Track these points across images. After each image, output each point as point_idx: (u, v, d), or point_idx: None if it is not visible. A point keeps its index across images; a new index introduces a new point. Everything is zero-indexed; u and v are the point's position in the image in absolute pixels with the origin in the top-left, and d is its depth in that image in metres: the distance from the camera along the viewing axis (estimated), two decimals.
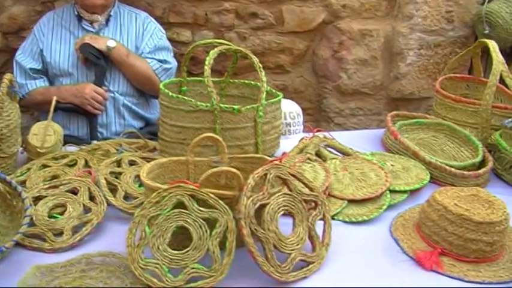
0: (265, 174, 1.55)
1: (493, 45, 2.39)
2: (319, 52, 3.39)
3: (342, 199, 1.89)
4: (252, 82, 2.25)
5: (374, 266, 1.62)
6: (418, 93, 3.42)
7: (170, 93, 1.92)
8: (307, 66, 3.46)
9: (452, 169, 2.07)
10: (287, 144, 2.21)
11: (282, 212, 1.55)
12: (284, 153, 1.72)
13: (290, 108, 2.36)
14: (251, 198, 1.48)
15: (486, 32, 3.29)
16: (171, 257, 1.41)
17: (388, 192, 1.92)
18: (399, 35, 3.31)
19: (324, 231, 1.64)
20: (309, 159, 2.05)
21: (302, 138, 2.23)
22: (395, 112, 2.49)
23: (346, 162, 2.09)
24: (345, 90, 3.38)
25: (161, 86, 2.01)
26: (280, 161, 1.62)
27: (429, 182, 2.05)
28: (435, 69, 3.37)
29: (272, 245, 1.47)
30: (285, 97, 2.18)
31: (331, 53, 3.37)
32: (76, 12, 2.84)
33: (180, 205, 1.45)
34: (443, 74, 2.67)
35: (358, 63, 3.35)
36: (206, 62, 1.87)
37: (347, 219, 1.82)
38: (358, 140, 2.44)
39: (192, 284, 1.39)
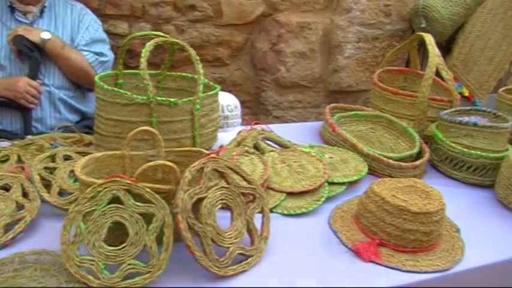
0: (202, 168, 1.53)
1: (429, 39, 2.43)
2: (258, 45, 3.39)
3: (280, 192, 1.89)
4: (189, 75, 2.23)
5: (313, 258, 1.63)
6: (356, 86, 3.46)
7: (105, 86, 1.88)
8: (245, 59, 3.46)
9: (390, 160, 2.10)
10: (225, 137, 2.21)
11: (220, 206, 1.54)
12: (221, 146, 1.71)
13: (228, 101, 2.34)
14: (188, 192, 1.46)
15: (423, 25, 3.35)
16: (107, 253, 1.38)
17: (326, 184, 1.94)
18: (338, 28, 3.34)
19: (263, 224, 1.64)
20: (247, 152, 2.05)
21: (240, 131, 2.22)
22: (333, 104, 2.51)
23: (285, 155, 2.09)
24: (283, 83, 3.39)
25: (96, 78, 1.97)
26: (218, 154, 1.61)
27: (367, 173, 2.08)
28: (373, 62, 3.42)
29: (210, 239, 1.46)
30: (223, 90, 2.17)
31: (270, 45, 3.37)
32: (8, 3, 2.75)
33: (116, 200, 1.42)
34: (381, 67, 2.72)
35: (296, 56, 3.36)
36: (142, 55, 1.84)
37: (286, 212, 1.83)
38: (296, 132, 2.45)
39: (129, 281, 1.37)
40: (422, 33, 2.51)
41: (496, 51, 3.91)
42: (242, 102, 3.37)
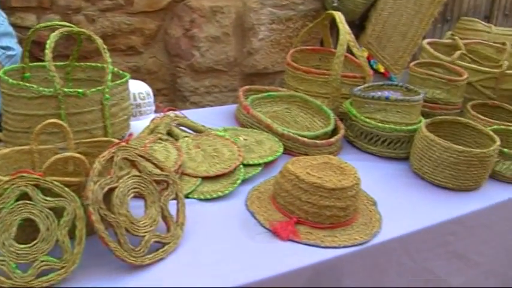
0: (112, 157, 1.51)
1: (339, 17, 2.46)
2: (171, 31, 3.35)
3: (195, 177, 1.89)
4: (99, 64, 2.19)
5: (231, 241, 1.64)
6: (272, 68, 3.47)
7: (10, 80, 1.83)
8: (159, 46, 3.41)
9: (305, 139, 2.13)
10: (139, 125, 2.18)
11: (133, 195, 1.53)
12: (130, 134, 1.69)
13: (139, 89, 2.31)
14: (98, 183, 1.44)
15: (335, 4, 3.40)
16: (18, 251, 1.35)
17: (241, 166, 1.94)
18: (250, 11, 3.33)
19: (178, 210, 1.64)
20: (160, 139, 2.03)
21: (153, 119, 2.20)
22: (247, 87, 2.52)
23: (199, 140, 2.08)
24: (198, 69, 3.36)
25: (1, 73, 1.90)
26: (127, 143, 1.58)
27: (283, 153, 2.10)
28: (288, 43, 3.44)
29: (124, 229, 1.45)
30: (138, 78, 2.15)
31: (183, 31, 3.33)
32: None
33: (24, 196, 1.39)
34: (294, 47, 2.73)
35: (210, 40, 3.34)
36: (47, 46, 1.80)
37: (202, 197, 1.82)
38: (212, 116, 2.45)
39: (43, 278, 1.34)
40: (332, 12, 2.54)
41: (409, 27, 3.99)
42: (158, 90, 3.34)
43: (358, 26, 3.88)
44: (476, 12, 4.89)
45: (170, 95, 3.48)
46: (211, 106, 3.41)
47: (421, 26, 4.04)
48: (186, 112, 2.39)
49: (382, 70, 3.94)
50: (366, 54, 3.82)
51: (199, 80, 3.41)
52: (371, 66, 3.87)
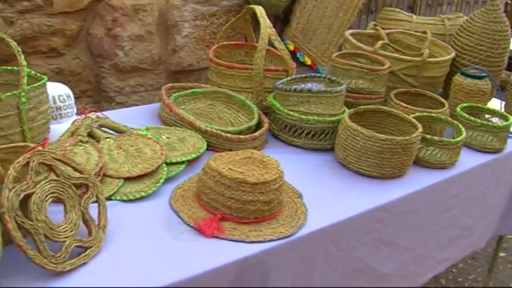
0: (28, 163, 1.48)
1: (259, 11, 2.48)
2: (93, 31, 3.30)
3: (118, 178, 1.87)
4: (15, 68, 2.14)
5: (155, 241, 1.64)
6: (197, 64, 3.46)
7: None
8: (82, 47, 3.35)
9: (228, 135, 2.13)
10: (60, 128, 2.14)
11: (51, 200, 1.50)
12: (46, 139, 1.66)
13: (59, 91, 2.27)
14: (14, 190, 1.41)
15: None
16: None
17: (164, 165, 1.93)
18: (173, 8, 3.31)
19: (99, 213, 1.62)
20: (81, 141, 2.00)
21: (74, 121, 2.16)
22: (170, 85, 2.51)
23: (121, 140, 2.06)
24: (123, 68, 3.32)
25: None
26: (43, 147, 1.56)
27: (208, 150, 2.10)
28: (212, 39, 3.43)
29: (43, 236, 1.42)
30: (62, 80, 2.11)
31: (105, 31, 3.29)
32: None
33: None
34: (216, 43, 2.73)
35: (134, 39, 3.30)
36: None
37: (125, 198, 1.81)
38: (135, 116, 2.43)
39: None
40: (253, 6, 2.55)
41: (334, 19, 4.05)
42: (83, 92, 3.29)
43: (283, 20, 3.91)
44: (400, 2, 4.99)
45: (95, 96, 3.43)
46: (138, 105, 3.37)
47: (346, 18, 4.10)
48: (109, 113, 2.36)
49: (309, 62, 3.99)
50: (292, 47, 3.86)
51: (124, 80, 3.37)
52: (297, 59, 3.91)
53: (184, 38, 3.38)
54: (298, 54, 3.92)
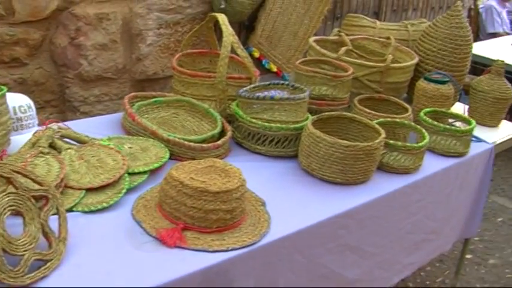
0: None
1: (222, 18, 2.48)
2: (57, 40, 3.28)
3: (79, 189, 1.85)
4: None
5: (117, 253, 1.63)
6: (162, 73, 3.46)
7: None
8: (45, 56, 3.33)
9: (191, 143, 2.13)
10: (20, 140, 2.11)
11: (9, 213, 1.48)
12: (4, 151, 1.64)
13: (20, 102, 2.24)
14: None
15: (222, 6, 3.41)
16: None
17: (126, 175, 1.92)
18: (137, 16, 3.31)
19: (60, 225, 1.60)
20: (41, 152, 1.97)
21: (36, 132, 2.14)
22: (133, 94, 2.49)
23: (82, 151, 2.04)
24: (87, 77, 3.30)
25: None
26: (1, 159, 1.54)
27: (171, 159, 2.10)
28: (177, 47, 3.43)
29: (1, 250, 1.40)
30: (25, 91, 2.09)
31: (69, 40, 3.26)
32: None
33: None
34: (180, 51, 2.73)
35: (97, 48, 3.28)
36: None
37: (86, 209, 1.79)
38: (98, 126, 2.41)
39: None
40: (215, 14, 2.55)
41: (299, 25, 4.07)
42: (47, 102, 3.26)
43: (248, 27, 3.92)
44: (365, 8, 5.04)
45: (60, 106, 3.40)
46: (103, 115, 3.35)
47: (311, 24, 4.13)
48: (71, 123, 2.34)
49: (274, 69, 4.00)
50: (257, 54, 3.87)
51: (88, 89, 3.35)
52: (263, 66, 3.93)
53: (149, 47, 3.38)
54: (263, 61, 3.93)
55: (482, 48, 5.58)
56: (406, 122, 2.50)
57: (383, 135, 2.20)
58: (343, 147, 2.07)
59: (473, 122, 2.65)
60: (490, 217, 4.50)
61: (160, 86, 3.49)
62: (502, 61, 3.10)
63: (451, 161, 2.56)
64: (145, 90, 3.43)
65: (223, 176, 1.76)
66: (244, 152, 2.34)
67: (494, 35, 6.91)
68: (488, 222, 4.39)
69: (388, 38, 3.20)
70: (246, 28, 3.92)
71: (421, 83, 2.82)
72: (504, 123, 3.17)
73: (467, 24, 3.10)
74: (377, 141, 2.14)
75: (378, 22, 3.53)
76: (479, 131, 2.86)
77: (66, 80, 3.30)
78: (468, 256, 3.78)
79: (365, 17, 3.59)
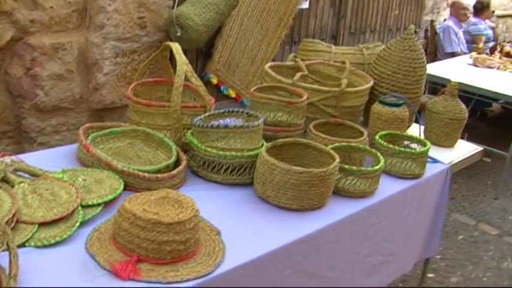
0: None
1: (176, 48, 2.50)
2: (12, 71, 3.26)
3: (32, 223, 1.84)
4: None
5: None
6: (120, 102, 3.45)
7: None
8: (0, 87, 3.31)
9: (146, 174, 2.13)
10: None
11: None
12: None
13: None
14: None
15: (178, 34, 3.43)
16: None
17: (80, 208, 1.92)
18: (93, 46, 3.30)
19: (10, 262, 1.58)
20: None
21: None
22: (88, 125, 2.49)
23: (36, 184, 2.03)
24: (43, 108, 3.28)
25: None
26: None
27: (126, 190, 2.09)
28: (134, 76, 3.43)
29: None
30: None
31: (24, 70, 3.25)
32: None
33: None
34: (135, 81, 2.73)
35: (54, 78, 3.27)
36: None
37: (39, 244, 1.78)
38: (54, 158, 2.39)
39: None
40: (169, 43, 2.57)
41: (257, 51, 4.12)
42: (3, 133, 3.24)
43: (206, 54, 3.94)
44: (323, 32, 5.10)
45: (16, 137, 3.37)
46: (61, 145, 3.33)
47: (269, 49, 4.18)
48: (25, 156, 2.33)
49: (233, 95, 4.03)
50: (215, 80, 3.89)
51: (45, 120, 3.33)
52: (221, 92, 3.95)
53: (106, 76, 3.37)
54: (222, 88, 3.95)
55: (440, 69, 5.70)
56: (361, 146, 2.54)
57: (337, 160, 2.22)
58: (297, 173, 2.10)
59: (428, 144, 2.70)
60: (451, 235, 4.55)
61: (118, 115, 3.48)
62: (456, 82, 3.16)
63: (407, 183, 2.60)
64: (103, 120, 3.42)
65: (177, 207, 1.77)
66: (200, 180, 2.34)
67: (453, 54, 7.04)
68: (449, 240, 4.44)
69: (344, 62, 3.24)
70: (203, 55, 3.95)
71: (376, 107, 2.86)
72: (460, 143, 3.24)
73: (421, 47, 3.16)
74: (331, 166, 2.17)
75: (333, 47, 3.58)
76: (435, 152, 2.91)
77: (22, 111, 3.28)
78: (430, 275, 3.81)
79: (320, 42, 3.63)
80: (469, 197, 5.31)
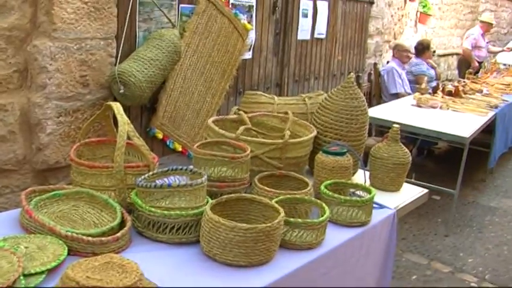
0: None
1: (116, 107, 2.50)
2: None
3: None
4: None
5: None
6: (65, 161, 3.44)
7: None
8: None
9: (90, 238, 2.11)
10: None
11: None
12: None
13: None
14: None
15: (121, 91, 3.45)
16: None
17: (22, 277, 1.88)
18: (35, 106, 3.30)
19: None
20: None
21: None
22: (31, 189, 2.46)
23: None
24: None
25: None
26: None
27: (71, 255, 2.07)
28: (78, 135, 3.43)
29: None
30: None
31: None
32: None
33: None
34: (78, 141, 2.72)
35: None
36: None
37: None
38: None
39: None
40: (110, 103, 2.58)
41: (202, 103, 4.16)
42: None
43: (150, 109, 3.97)
44: (267, 81, 5.19)
45: None
46: (6, 208, 3.29)
47: (214, 101, 4.23)
48: None
49: (179, 149, 4.05)
50: (160, 135, 3.91)
51: None
52: (168, 147, 3.97)
53: (49, 136, 3.36)
54: (168, 142, 3.98)
55: (385, 112, 5.82)
56: (306, 197, 2.57)
57: (282, 214, 2.25)
58: (242, 230, 2.11)
59: (373, 191, 2.75)
60: (404, 276, 4.61)
61: (64, 175, 3.46)
62: (397, 127, 3.23)
63: (354, 231, 2.63)
64: (48, 180, 3.40)
65: (121, 272, 1.76)
66: (146, 241, 2.32)
67: (397, 95, 7.22)
68: (403, 281, 4.50)
69: (286, 113, 3.29)
70: (147, 110, 3.97)
71: (320, 156, 2.91)
72: (405, 187, 3.29)
73: (361, 94, 3.23)
74: (276, 221, 2.19)
75: (276, 97, 3.63)
76: (381, 197, 2.96)
77: None
78: None
79: (263, 93, 3.68)
80: (421, 236, 5.40)
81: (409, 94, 7.17)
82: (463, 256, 5.05)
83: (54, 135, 3.39)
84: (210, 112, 4.18)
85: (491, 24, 11.43)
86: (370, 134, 6.41)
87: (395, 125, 3.28)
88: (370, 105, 7.06)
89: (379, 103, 7.01)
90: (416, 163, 6.79)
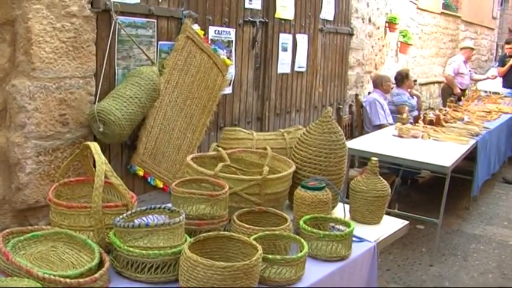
0: None
1: (94, 147, 2.54)
2: None
3: None
4: None
5: None
6: (44, 201, 3.44)
7: None
8: None
9: (67, 280, 2.12)
10: None
11: None
12: None
13: None
14: None
15: (101, 130, 3.48)
16: None
17: None
18: (14, 146, 3.32)
19: None
20: None
21: None
22: (8, 230, 2.46)
23: None
24: None
25: None
26: None
27: None
28: (57, 174, 3.44)
29: None
30: None
31: None
32: None
33: None
34: (57, 181, 2.74)
35: None
36: None
37: None
38: None
39: None
40: (88, 143, 2.61)
41: (182, 139, 4.19)
42: None
43: (130, 146, 3.99)
44: (248, 115, 5.23)
45: None
46: None
47: (194, 137, 4.26)
48: None
49: (161, 185, 4.07)
50: (141, 172, 3.93)
51: None
52: (149, 184, 3.98)
53: (28, 175, 3.37)
54: (149, 179, 4.00)
55: (366, 143, 5.87)
56: (285, 233, 2.59)
57: (260, 251, 2.27)
58: (220, 268, 2.13)
59: (352, 225, 2.78)
60: None
61: (44, 214, 3.47)
62: (376, 161, 3.28)
63: (334, 265, 2.65)
64: (28, 220, 3.40)
65: None
66: (125, 281, 2.33)
67: (380, 126, 7.27)
68: None
69: (265, 149, 3.32)
70: (128, 147, 3.99)
71: (299, 191, 2.94)
72: (385, 219, 3.32)
73: (339, 128, 3.27)
74: (254, 258, 2.21)
75: (254, 133, 3.67)
76: (361, 230, 2.99)
77: None
78: None
79: (242, 129, 3.72)
80: (405, 266, 5.41)
81: (391, 124, 7.24)
82: (448, 285, 5.07)
83: (34, 174, 3.40)
84: (190, 148, 4.20)
85: (473, 49, 11.59)
86: (352, 166, 6.47)
87: (373, 158, 3.33)
88: (352, 136, 7.13)
89: (361, 134, 7.07)
90: (400, 193, 6.86)
